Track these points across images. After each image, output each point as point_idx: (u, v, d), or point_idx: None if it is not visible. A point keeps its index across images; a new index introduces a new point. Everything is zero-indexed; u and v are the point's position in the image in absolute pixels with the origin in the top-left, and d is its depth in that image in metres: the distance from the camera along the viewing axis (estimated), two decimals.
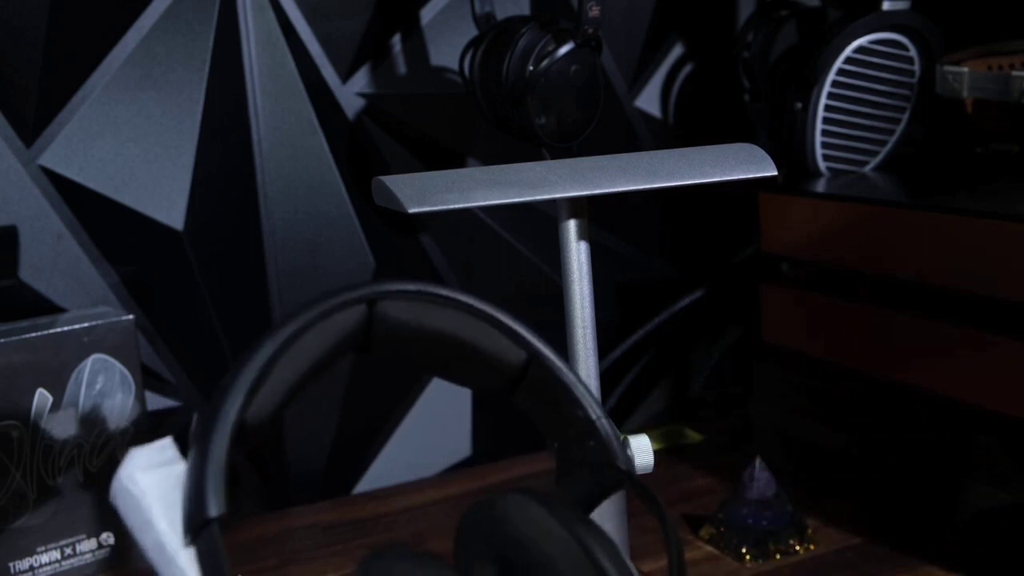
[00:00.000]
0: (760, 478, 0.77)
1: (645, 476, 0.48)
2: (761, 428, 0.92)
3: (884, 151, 0.90)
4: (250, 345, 0.40)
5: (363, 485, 0.95)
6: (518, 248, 0.98)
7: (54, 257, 0.82)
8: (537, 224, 0.98)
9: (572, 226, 0.68)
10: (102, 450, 0.78)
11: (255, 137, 0.87)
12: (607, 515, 0.68)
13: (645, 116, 1.02)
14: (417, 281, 0.44)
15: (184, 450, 0.38)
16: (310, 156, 0.89)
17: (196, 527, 0.36)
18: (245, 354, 0.40)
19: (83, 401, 0.77)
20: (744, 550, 0.76)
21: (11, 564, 0.75)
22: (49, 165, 0.81)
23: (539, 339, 0.46)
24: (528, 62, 0.76)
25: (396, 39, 0.91)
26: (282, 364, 0.40)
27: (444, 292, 0.44)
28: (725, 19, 1.05)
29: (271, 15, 0.86)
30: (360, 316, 0.42)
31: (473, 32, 0.83)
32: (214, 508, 0.36)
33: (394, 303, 0.43)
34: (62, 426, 0.76)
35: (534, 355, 0.46)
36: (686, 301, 1.06)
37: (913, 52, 0.88)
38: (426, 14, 0.92)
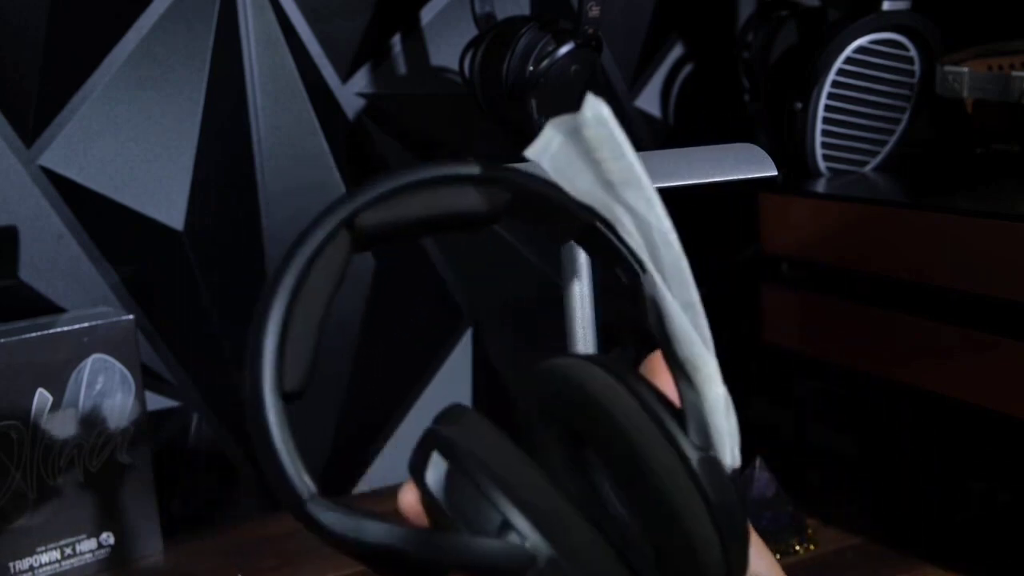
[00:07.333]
0: (760, 478, 0.77)
1: None
2: (761, 428, 0.92)
3: (884, 151, 0.90)
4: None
5: (363, 485, 0.95)
6: (518, 248, 0.98)
7: (54, 257, 0.82)
8: None
9: None
10: (102, 450, 0.78)
11: (255, 137, 0.87)
12: None
13: (645, 116, 1.02)
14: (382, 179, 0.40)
15: None
16: (310, 156, 0.89)
17: None
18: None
19: (83, 401, 0.77)
20: None
21: (11, 564, 0.75)
22: (49, 165, 0.81)
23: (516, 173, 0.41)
24: (528, 62, 0.76)
25: (396, 39, 0.91)
26: (298, 315, 0.38)
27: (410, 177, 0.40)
28: (725, 19, 1.05)
29: (271, 15, 0.86)
30: (346, 243, 0.40)
31: (473, 32, 0.83)
32: None
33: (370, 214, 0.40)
34: (62, 426, 0.76)
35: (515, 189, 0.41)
36: None
37: (913, 52, 0.88)
38: (426, 14, 0.92)
